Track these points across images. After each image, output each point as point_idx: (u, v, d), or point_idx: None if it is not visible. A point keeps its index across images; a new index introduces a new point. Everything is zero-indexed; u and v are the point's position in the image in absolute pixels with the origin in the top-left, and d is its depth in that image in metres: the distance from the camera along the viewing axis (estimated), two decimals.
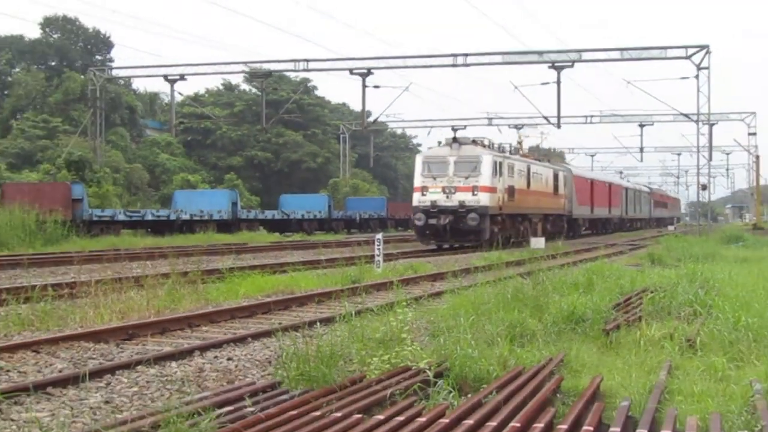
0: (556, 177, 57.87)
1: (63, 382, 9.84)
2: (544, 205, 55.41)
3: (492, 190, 42.94)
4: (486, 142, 46.60)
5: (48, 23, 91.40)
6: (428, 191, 43.05)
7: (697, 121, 54.62)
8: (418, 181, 43.98)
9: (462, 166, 43.07)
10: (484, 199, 41.99)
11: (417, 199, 43.41)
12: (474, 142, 45.40)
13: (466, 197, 41.92)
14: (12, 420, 8.20)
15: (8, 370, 10.52)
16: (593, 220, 73.82)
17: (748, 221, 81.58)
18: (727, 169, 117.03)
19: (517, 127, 78.89)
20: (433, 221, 42.34)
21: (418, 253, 40.96)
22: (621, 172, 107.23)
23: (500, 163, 44.61)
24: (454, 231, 42.31)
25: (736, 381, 9.10)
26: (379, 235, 30.66)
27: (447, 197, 42.41)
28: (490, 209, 42.62)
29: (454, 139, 44.39)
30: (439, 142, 47.50)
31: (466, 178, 42.35)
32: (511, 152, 51.35)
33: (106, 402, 9.16)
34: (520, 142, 60.50)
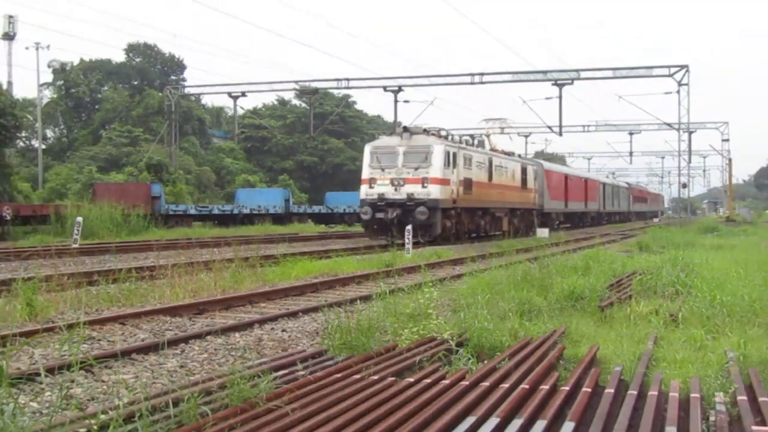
0: (524, 171, 48.94)
1: (145, 350, 9.91)
2: (511, 199, 46.26)
3: (444, 182, 35.25)
4: (443, 133, 39.01)
5: (131, 49, 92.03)
6: (376, 183, 35.63)
7: (678, 130, 54.27)
8: (365, 173, 36.54)
9: (412, 157, 35.55)
10: (434, 191, 34.54)
11: (364, 191, 36.02)
12: (426, 131, 37.52)
13: (416, 189, 34.54)
14: (102, 381, 8.26)
15: (99, 339, 10.60)
16: (568, 214, 63.76)
17: (721, 214, 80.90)
18: (704, 170, 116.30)
19: (526, 135, 78.62)
20: (380, 215, 34.90)
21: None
22: (613, 173, 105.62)
23: (454, 154, 36.85)
24: (402, 225, 33.28)
25: (713, 350, 9.05)
26: (409, 227, 30.59)
27: (395, 190, 35.01)
28: (441, 202, 35.00)
29: (405, 128, 37.17)
30: (391, 132, 41.43)
31: (416, 169, 34.90)
32: (475, 145, 43.38)
33: (181, 366, 9.21)
34: (487, 135, 50.87)
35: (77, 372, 8.10)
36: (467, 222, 39.28)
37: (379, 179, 35.47)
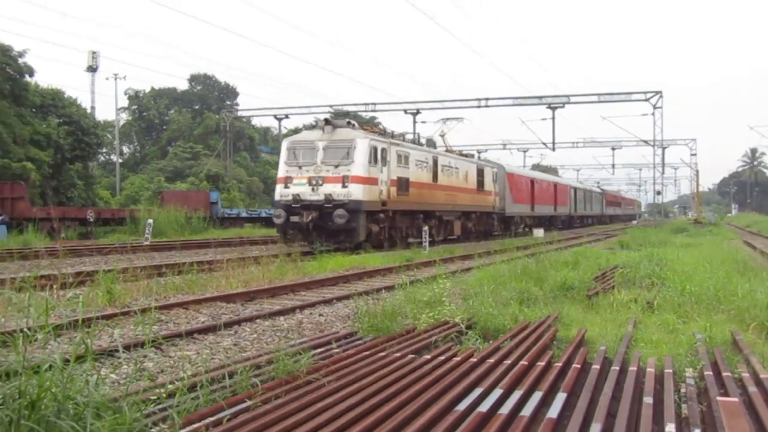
0: (481, 173, 40.46)
1: (204, 331, 9.96)
2: (463, 201, 37.26)
3: (369, 181, 27.16)
4: (380, 128, 31.99)
5: (193, 79, 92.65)
6: (292, 183, 27.64)
7: (653, 146, 54.16)
8: (281, 171, 28.39)
9: (333, 153, 27.53)
10: (356, 191, 26.44)
11: (279, 192, 27.91)
12: (350, 123, 29.45)
13: (335, 190, 26.51)
14: (170, 356, 8.30)
15: (167, 322, 10.67)
16: (536, 217, 52.94)
17: (690, 217, 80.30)
18: (675, 180, 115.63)
19: (524, 150, 78.44)
20: (295, 219, 26.93)
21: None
22: (598, 182, 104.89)
23: (383, 150, 28.54)
24: (319, 230, 27.00)
25: (683, 332, 9.00)
26: (426, 227, 30.53)
27: (313, 190, 27.02)
28: (365, 204, 26.76)
29: (326, 121, 28.88)
30: (313, 124, 32.55)
31: (336, 166, 26.94)
32: (423, 143, 35.25)
33: (235, 344, 9.25)
34: (442, 135, 40.89)
35: (149, 349, 8.19)
36: (405, 226, 31.28)
37: (295, 178, 27.62)
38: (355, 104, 55.47)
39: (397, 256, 23.38)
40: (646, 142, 57.24)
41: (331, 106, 58.22)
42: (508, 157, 78.51)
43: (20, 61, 44.91)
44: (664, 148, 57.03)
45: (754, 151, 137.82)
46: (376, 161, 27.74)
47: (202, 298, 12.82)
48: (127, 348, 8.12)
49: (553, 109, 49.13)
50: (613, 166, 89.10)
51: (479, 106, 50.46)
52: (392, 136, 31.21)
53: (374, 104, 52.95)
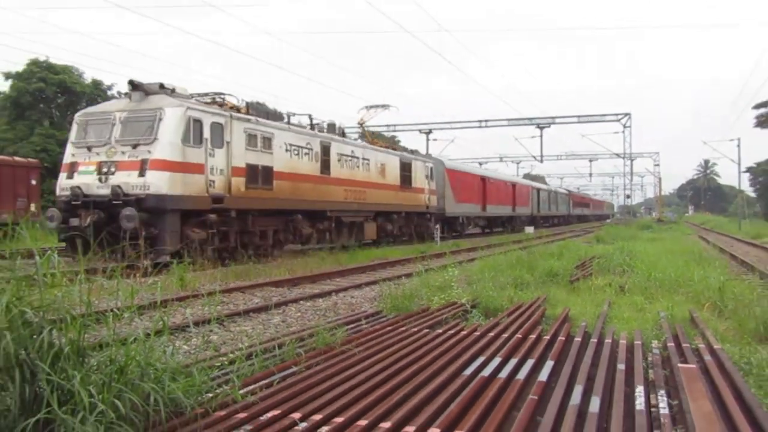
0: (406, 168, 28.50)
1: (258, 310, 9.99)
2: (378, 200, 25.49)
3: (183, 167, 15.67)
4: (214, 99, 18.49)
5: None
6: (77, 171, 16.12)
7: (623, 158, 53.75)
8: (66, 155, 16.80)
9: (133, 128, 15.93)
10: (158, 181, 15.15)
11: (59, 184, 16.44)
12: (164, 88, 16.89)
13: (128, 179, 15.28)
14: (230, 331, 8.33)
15: (228, 303, 10.70)
16: (489, 218, 42.23)
17: (654, 217, 79.58)
18: (642, 186, 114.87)
19: (517, 162, 78.00)
20: (75, 221, 15.41)
21: None
22: (578, 188, 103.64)
23: (215, 126, 16.91)
24: (115, 237, 13.93)
25: (649, 311, 8.95)
26: (437, 225, 30.49)
27: (101, 180, 15.64)
28: (175, 200, 15.46)
29: (133, 85, 16.70)
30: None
31: (135, 146, 15.59)
32: (338, 133, 24.28)
33: (282, 321, 9.28)
34: (361, 124, 30.46)
35: (214, 325, 8.23)
36: (272, 230, 19.43)
37: (81, 164, 16.02)
38: (378, 126, 55.36)
39: (412, 249, 23.37)
40: (617, 155, 56.62)
41: (359, 126, 58.19)
42: (504, 168, 76.58)
43: None
44: (632, 160, 56.56)
45: (707, 162, 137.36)
46: (198, 140, 16.14)
47: (256, 284, 12.87)
48: (196, 324, 8.18)
49: (541, 128, 48.74)
50: (591, 174, 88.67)
51: (480, 126, 50.22)
52: (248, 110, 18.76)
53: (395, 125, 52.83)
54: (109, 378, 3.87)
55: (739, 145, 53.99)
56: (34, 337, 3.73)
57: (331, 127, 23.85)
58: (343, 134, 24.65)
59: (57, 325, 3.85)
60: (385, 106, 29.50)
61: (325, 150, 21.98)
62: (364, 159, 24.70)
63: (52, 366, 3.65)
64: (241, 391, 4.74)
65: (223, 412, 4.37)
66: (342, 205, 22.92)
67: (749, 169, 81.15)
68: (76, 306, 4.03)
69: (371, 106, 29.32)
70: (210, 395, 4.61)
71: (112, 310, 4.31)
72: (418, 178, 29.67)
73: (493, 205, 42.08)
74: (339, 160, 22.75)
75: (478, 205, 39.33)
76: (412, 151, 32.44)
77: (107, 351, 4.08)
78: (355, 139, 27.82)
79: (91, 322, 4.07)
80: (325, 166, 21.84)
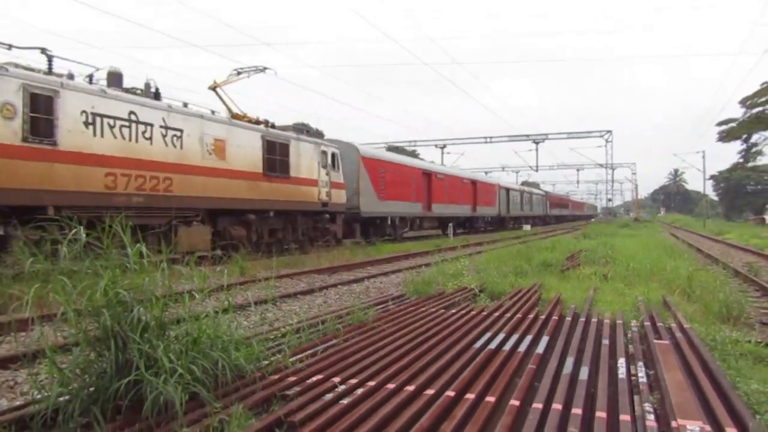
0: (277, 150, 16.59)
1: (304, 293, 10.03)
2: (205, 191, 13.69)
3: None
4: None
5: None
6: None
7: (605, 168, 53.01)
8: None
9: None
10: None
11: None
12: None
13: None
14: (282, 310, 8.38)
15: (279, 287, 10.77)
16: (437, 218, 30.70)
17: (631, 217, 78.37)
18: (621, 191, 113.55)
19: (516, 171, 77.27)
20: None
21: None
22: (567, 193, 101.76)
23: None
24: None
25: (629, 295, 8.78)
26: (450, 224, 30.32)
27: None
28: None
29: None
30: None
31: None
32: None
33: (324, 302, 9.30)
34: (213, 88, 16.53)
35: (269, 305, 8.29)
36: None
37: None
38: (400, 141, 55.12)
39: (429, 243, 23.31)
40: (601, 165, 55.99)
41: (385, 143, 58.18)
42: (505, 176, 74.08)
43: None
44: (613, 169, 55.67)
45: (676, 170, 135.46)
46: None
47: (301, 272, 12.92)
48: (255, 304, 8.24)
49: (536, 143, 48.26)
50: (578, 182, 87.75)
51: (486, 142, 49.83)
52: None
53: (415, 141, 52.76)
54: (186, 347, 3.91)
55: (704, 157, 53.28)
56: (126, 313, 3.78)
57: (114, 77, 12.51)
58: (157, 95, 13.28)
59: (144, 304, 3.90)
60: (258, 69, 17.12)
61: (42, 103, 10.23)
62: (169, 130, 12.95)
63: (140, 337, 3.70)
64: (291, 359, 4.76)
65: (276, 376, 4.39)
66: (99, 199, 11.10)
67: (713, 177, 79.81)
68: (158, 289, 4.08)
69: (242, 70, 17.15)
70: (266, 362, 4.64)
71: (187, 292, 4.35)
72: (305, 165, 17.70)
73: (442, 203, 30.52)
74: (90, 124, 11.08)
75: (418, 203, 27.58)
76: (301, 129, 18.64)
77: (184, 325, 4.13)
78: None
79: (170, 302, 4.12)
80: (41, 130, 10.18)
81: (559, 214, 71.47)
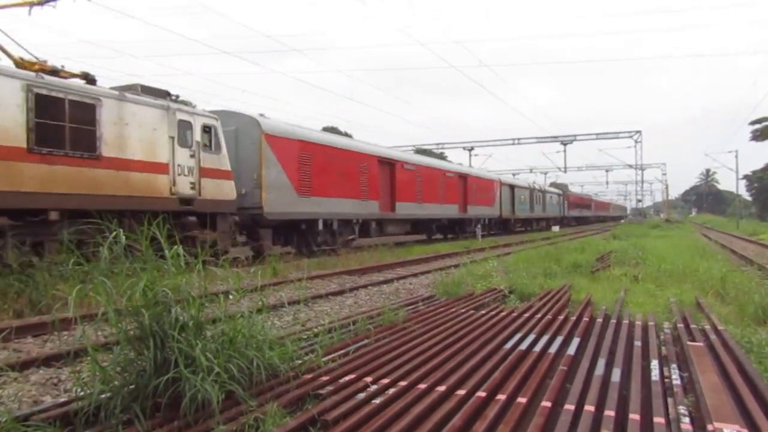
0: (93, 112, 9.91)
1: (335, 294, 10.09)
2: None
3: None
4: None
5: (325, 129, 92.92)
6: None
7: (635, 169, 52.12)
8: None
9: None
10: None
11: None
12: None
13: None
14: (314, 310, 8.43)
15: (311, 288, 10.83)
16: (405, 221, 23.11)
17: (662, 217, 76.82)
18: (651, 192, 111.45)
19: (544, 173, 76.37)
20: None
21: None
22: (595, 193, 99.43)
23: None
24: None
25: (660, 297, 8.62)
26: (479, 225, 30.07)
27: None
28: None
29: None
30: None
31: None
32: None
33: (354, 302, 9.33)
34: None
35: (301, 305, 8.35)
36: None
37: None
38: (428, 144, 54.97)
39: (458, 245, 23.20)
40: (630, 165, 55.10)
41: (413, 146, 58.06)
42: (533, 178, 70.88)
43: None
44: (643, 170, 54.80)
45: (708, 170, 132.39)
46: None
47: (332, 272, 12.99)
48: (289, 304, 8.31)
49: (565, 144, 47.73)
50: (607, 183, 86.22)
51: (514, 144, 49.48)
52: None
53: (443, 143, 52.69)
54: (222, 346, 3.97)
55: (737, 156, 52.00)
56: (165, 313, 3.85)
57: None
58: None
59: (181, 304, 3.96)
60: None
61: None
62: None
63: (178, 336, 3.76)
64: (324, 359, 4.79)
65: (309, 375, 4.42)
66: None
67: (746, 177, 77.73)
68: (195, 289, 4.14)
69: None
70: (299, 361, 4.67)
71: (223, 293, 4.41)
72: (138, 139, 11.34)
73: (413, 202, 23.36)
74: None
75: (373, 201, 20.35)
76: (133, 87, 12.01)
77: (220, 325, 4.18)
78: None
79: (207, 302, 4.18)
80: None
81: (579, 215, 63.56)
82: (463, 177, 29.56)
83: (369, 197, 20.07)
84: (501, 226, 36.02)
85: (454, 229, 29.30)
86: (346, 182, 18.68)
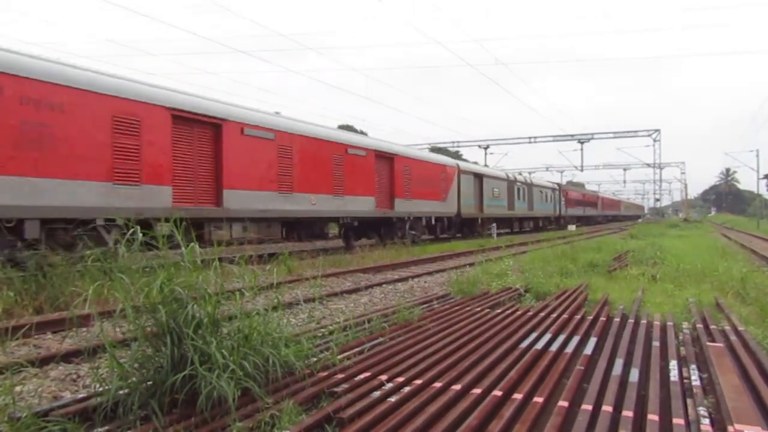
0: None
1: (350, 292, 10.09)
2: None
3: None
4: None
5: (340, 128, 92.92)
6: None
7: (653, 168, 51.50)
8: None
9: None
10: None
11: None
12: None
13: None
14: (329, 308, 8.43)
15: (326, 286, 10.85)
16: (235, 219, 12.68)
17: (681, 217, 75.88)
18: (669, 191, 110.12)
19: (561, 171, 75.71)
20: None
21: None
22: (614, 193, 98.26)
23: None
24: None
25: (679, 297, 8.51)
26: (494, 224, 29.84)
27: None
28: None
29: None
30: None
31: None
32: None
33: (370, 301, 9.32)
34: None
35: (316, 303, 8.37)
36: None
37: None
38: (444, 142, 54.77)
39: (474, 243, 23.09)
40: (648, 165, 54.52)
41: (428, 144, 57.88)
42: (549, 176, 67.50)
43: None
44: (661, 169, 54.18)
45: (728, 169, 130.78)
46: None
47: (347, 271, 12.99)
48: (304, 302, 8.33)
49: (582, 143, 47.36)
50: (624, 182, 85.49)
51: (530, 142, 49.17)
52: None
53: (459, 142, 52.50)
54: (237, 344, 3.98)
55: (758, 155, 51.27)
56: (181, 310, 3.87)
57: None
58: None
59: (198, 301, 3.98)
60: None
61: None
62: None
63: (194, 333, 3.78)
64: (339, 357, 4.79)
65: (325, 373, 4.43)
66: None
67: (767, 176, 76.51)
68: (211, 286, 4.16)
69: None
70: (314, 359, 4.68)
71: (239, 290, 4.43)
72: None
73: (250, 190, 13.59)
74: None
75: (132, 187, 10.64)
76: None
77: (236, 322, 4.20)
78: None
79: (223, 299, 4.19)
80: None
81: (582, 214, 55.20)
82: (387, 158, 20.25)
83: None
84: (459, 227, 27.18)
85: (378, 231, 20.51)
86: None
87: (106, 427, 3.54)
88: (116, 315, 3.99)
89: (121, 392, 3.69)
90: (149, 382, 3.76)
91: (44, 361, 5.36)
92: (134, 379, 3.79)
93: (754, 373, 4.39)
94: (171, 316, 3.82)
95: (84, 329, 6.38)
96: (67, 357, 5.48)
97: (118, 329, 5.85)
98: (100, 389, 3.89)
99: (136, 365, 3.87)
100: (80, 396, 4.10)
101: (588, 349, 5.20)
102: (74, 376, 5.06)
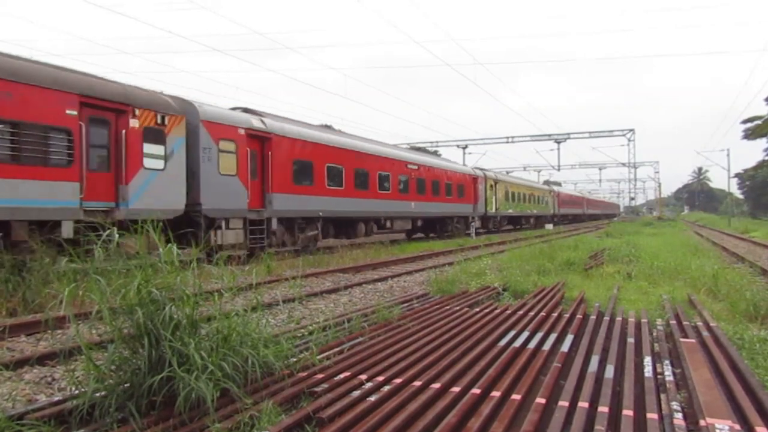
0: None
1: (329, 291, 10.06)
2: None
3: None
4: None
5: None
6: None
7: (628, 167, 52.21)
8: None
9: None
10: None
11: None
12: None
13: None
14: (308, 308, 8.40)
15: (305, 286, 10.80)
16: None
17: (655, 215, 77.01)
18: (644, 190, 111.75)
19: (538, 171, 76.30)
20: None
21: None
22: (590, 192, 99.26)
23: None
24: None
25: (653, 294, 8.66)
26: (472, 222, 30.00)
27: None
28: None
29: None
30: None
31: None
32: None
33: (349, 300, 9.31)
34: None
35: (296, 303, 8.33)
36: None
37: None
38: (424, 141, 54.77)
39: (452, 242, 23.19)
40: (623, 164, 55.16)
41: (408, 144, 57.81)
42: (526, 175, 67.24)
43: None
44: (636, 168, 54.95)
45: (700, 168, 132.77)
46: None
47: (326, 271, 12.95)
48: (283, 302, 8.29)
49: (558, 142, 47.74)
50: (600, 181, 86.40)
51: (507, 142, 49.47)
52: None
53: (438, 141, 52.62)
54: (216, 344, 3.95)
55: (728, 155, 52.10)
56: (159, 311, 3.83)
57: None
58: None
59: (175, 302, 3.94)
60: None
61: None
62: None
63: (172, 334, 3.74)
64: (319, 357, 4.78)
65: (304, 373, 4.41)
66: None
67: (737, 175, 78.07)
68: (189, 287, 4.12)
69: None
70: (294, 359, 4.66)
71: (217, 291, 4.40)
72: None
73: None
74: None
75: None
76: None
77: (214, 323, 4.17)
78: None
79: (201, 300, 4.16)
80: None
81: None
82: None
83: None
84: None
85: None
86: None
87: (82, 430, 3.49)
88: (93, 317, 3.93)
89: (97, 395, 3.63)
90: (126, 384, 3.71)
91: (18, 364, 5.26)
92: (111, 381, 3.74)
93: (725, 368, 4.48)
94: (148, 318, 3.77)
95: (60, 331, 6.28)
96: (42, 360, 5.38)
97: (94, 331, 5.76)
98: (76, 392, 3.83)
99: (112, 367, 3.82)
100: (56, 399, 4.03)
101: (565, 347, 5.26)
102: (49, 379, 4.97)
